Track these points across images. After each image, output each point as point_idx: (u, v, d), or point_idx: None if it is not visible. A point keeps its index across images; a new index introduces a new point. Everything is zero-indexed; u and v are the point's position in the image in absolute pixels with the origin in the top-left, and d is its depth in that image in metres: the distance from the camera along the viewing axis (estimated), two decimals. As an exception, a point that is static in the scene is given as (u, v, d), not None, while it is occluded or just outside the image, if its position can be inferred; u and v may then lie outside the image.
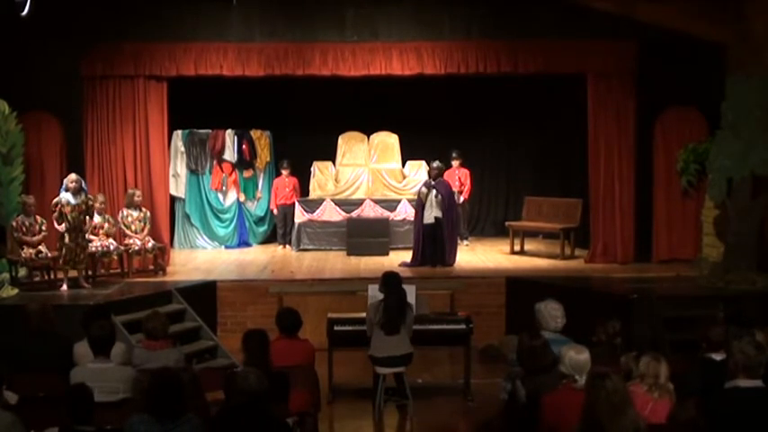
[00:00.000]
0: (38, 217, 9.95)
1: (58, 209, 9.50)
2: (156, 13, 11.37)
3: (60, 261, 9.71)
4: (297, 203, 13.63)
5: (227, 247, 13.86)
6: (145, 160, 11.63)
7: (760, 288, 9.29)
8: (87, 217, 9.75)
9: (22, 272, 9.97)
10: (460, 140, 14.10)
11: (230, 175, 14.03)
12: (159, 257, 11.22)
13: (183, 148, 13.89)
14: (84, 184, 9.78)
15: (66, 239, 9.54)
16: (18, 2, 8.49)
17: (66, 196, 9.53)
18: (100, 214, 10.57)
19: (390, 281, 7.67)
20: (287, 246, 13.66)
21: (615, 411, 4.05)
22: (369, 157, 14.28)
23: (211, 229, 14.03)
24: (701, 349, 5.69)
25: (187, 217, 14.02)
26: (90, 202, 9.79)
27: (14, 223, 9.77)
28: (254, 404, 4.40)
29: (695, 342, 5.89)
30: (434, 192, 11.49)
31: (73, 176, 9.66)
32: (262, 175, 14.44)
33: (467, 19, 11.61)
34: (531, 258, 12.39)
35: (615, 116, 11.65)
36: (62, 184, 9.77)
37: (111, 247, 10.55)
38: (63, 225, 9.49)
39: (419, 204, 11.71)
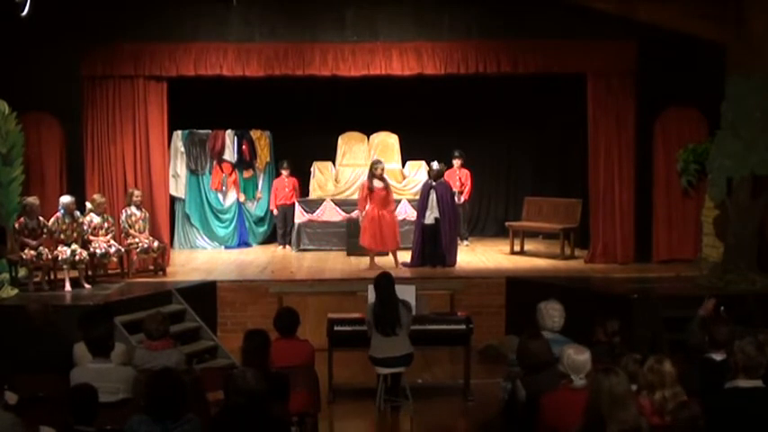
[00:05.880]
0: (41, 219, 9.96)
1: (54, 227, 9.96)
2: (156, 13, 11.36)
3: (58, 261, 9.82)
4: (297, 204, 13.63)
5: (226, 248, 13.87)
6: (145, 160, 11.63)
7: (760, 288, 9.29)
8: (75, 233, 10.18)
9: (23, 272, 9.98)
10: (460, 140, 14.10)
11: (230, 175, 14.03)
12: (159, 257, 11.23)
13: (182, 149, 13.89)
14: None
15: (59, 250, 9.84)
16: (18, 2, 8.50)
17: (61, 217, 10.02)
18: (99, 215, 10.58)
19: (379, 283, 7.66)
20: (287, 246, 13.66)
21: (616, 405, 4.07)
22: (369, 158, 14.25)
23: (211, 230, 14.03)
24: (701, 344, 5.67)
25: (187, 217, 14.03)
26: (80, 219, 10.28)
27: (17, 225, 9.78)
28: (254, 404, 4.39)
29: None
30: (434, 193, 11.49)
31: (72, 199, 10.19)
32: (262, 175, 14.44)
33: (467, 19, 11.60)
34: (531, 258, 12.39)
35: (615, 116, 11.66)
36: (59, 203, 10.20)
37: (113, 249, 10.55)
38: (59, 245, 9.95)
39: (420, 205, 11.70)
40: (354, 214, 13.30)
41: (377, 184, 11.60)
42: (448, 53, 11.57)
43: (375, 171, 11.63)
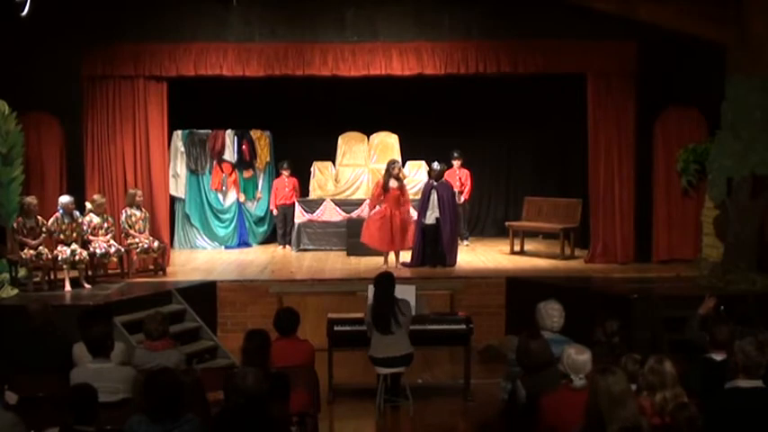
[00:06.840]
0: (39, 218, 9.96)
1: (53, 227, 9.97)
2: (156, 13, 11.37)
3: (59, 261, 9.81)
4: (297, 204, 13.63)
5: (227, 248, 13.87)
6: (145, 160, 11.63)
7: (760, 288, 9.29)
8: (75, 233, 10.15)
9: (22, 272, 9.98)
10: (460, 140, 14.10)
11: (230, 175, 14.03)
12: (159, 257, 11.23)
13: (182, 148, 13.89)
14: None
15: (58, 250, 9.86)
16: (18, 2, 8.50)
17: (60, 217, 10.02)
18: (99, 215, 10.57)
19: (379, 281, 7.68)
20: (287, 246, 13.66)
21: (615, 404, 4.09)
22: (369, 158, 14.29)
23: (211, 230, 14.03)
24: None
25: (187, 217, 14.03)
26: (80, 219, 10.25)
27: (15, 224, 9.78)
28: (254, 404, 4.39)
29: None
30: (435, 193, 11.49)
31: (71, 199, 10.15)
32: (262, 175, 14.45)
33: (467, 19, 11.60)
34: (531, 258, 12.39)
35: (615, 116, 11.66)
36: (58, 203, 10.17)
37: (113, 249, 10.54)
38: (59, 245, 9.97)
39: (421, 205, 11.71)
40: (355, 214, 13.32)
41: (392, 183, 11.58)
42: (448, 53, 11.57)
43: (392, 171, 11.62)
